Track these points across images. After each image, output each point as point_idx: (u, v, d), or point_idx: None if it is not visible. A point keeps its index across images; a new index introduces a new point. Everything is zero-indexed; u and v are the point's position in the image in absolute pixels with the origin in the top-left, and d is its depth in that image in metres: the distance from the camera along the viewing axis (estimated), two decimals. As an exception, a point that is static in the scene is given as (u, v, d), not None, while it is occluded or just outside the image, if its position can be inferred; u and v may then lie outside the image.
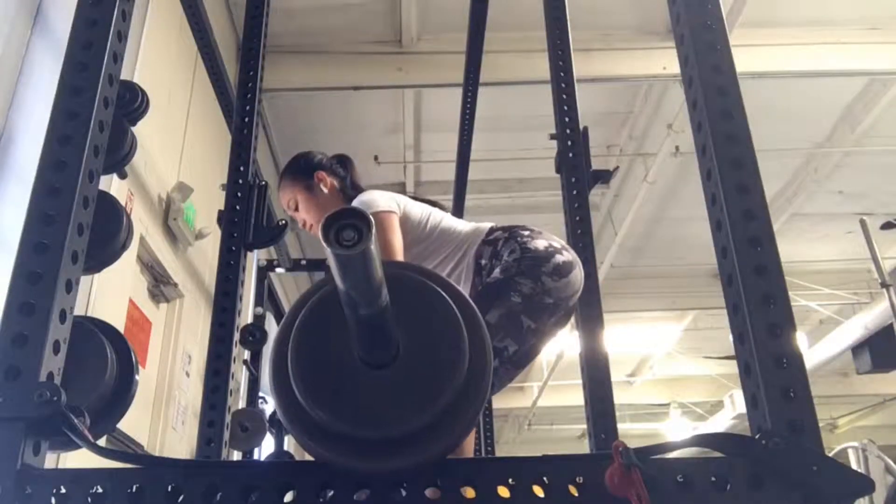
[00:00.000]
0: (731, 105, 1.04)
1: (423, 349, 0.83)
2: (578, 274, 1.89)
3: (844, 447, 5.02)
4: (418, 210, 2.02)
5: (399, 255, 1.83)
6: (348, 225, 0.67)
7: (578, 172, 2.18)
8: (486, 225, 2.01)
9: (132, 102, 1.57)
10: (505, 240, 1.90)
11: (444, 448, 0.84)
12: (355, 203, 1.94)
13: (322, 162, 2.19)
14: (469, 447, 1.73)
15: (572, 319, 2.00)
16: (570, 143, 2.21)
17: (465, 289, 1.95)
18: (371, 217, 0.68)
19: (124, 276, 2.71)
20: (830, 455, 0.93)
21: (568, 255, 1.88)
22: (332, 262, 0.70)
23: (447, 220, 2.05)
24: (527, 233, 1.91)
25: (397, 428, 0.80)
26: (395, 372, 0.82)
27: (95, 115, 1.05)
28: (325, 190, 2.13)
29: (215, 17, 3.78)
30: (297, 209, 2.16)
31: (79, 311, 1.00)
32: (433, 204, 2.13)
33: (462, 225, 2.05)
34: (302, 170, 2.17)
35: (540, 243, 1.87)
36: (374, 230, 0.67)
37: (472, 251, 1.94)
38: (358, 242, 0.67)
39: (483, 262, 1.91)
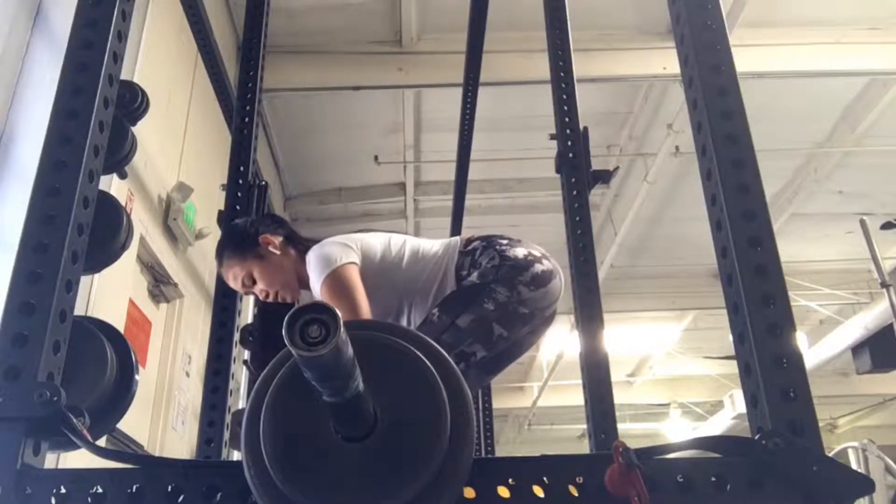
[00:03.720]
0: (731, 105, 1.04)
1: (401, 415, 0.78)
2: (558, 284, 1.86)
3: (844, 447, 5.01)
4: (376, 241, 1.93)
5: (364, 312, 1.74)
6: (314, 320, 0.61)
7: (578, 172, 2.17)
8: (457, 239, 1.98)
9: (132, 102, 1.57)
10: (483, 248, 1.88)
11: None
12: (310, 263, 1.84)
13: (259, 227, 2.04)
14: None
15: (572, 320, 2.00)
16: (570, 143, 2.21)
17: None
18: (337, 312, 0.62)
19: (124, 276, 2.71)
20: (830, 455, 0.93)
21: (548, 265, 1.85)
22: (299, 362, 0.64)
23: (411, 241, 1.99)
24: (505, 241, 1.89)
25: None
26: (373, 444, 0.76)
27: (95, 115, 1.05)
28: (277, 251, 1.99)
29: (215, 17, 3.78)
30: (253, 283, 1.99)
31: (79, 311, 1.00)
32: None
33: (429, 243, 1.98)
34: (245, 241, 2.00)
35: (519, 251, 1.85)
36: (341, 325, 0.61)
37: (452, 265, 1.91)
38: (326, 339, 0.61)
39: (463, 272, 1.88)
